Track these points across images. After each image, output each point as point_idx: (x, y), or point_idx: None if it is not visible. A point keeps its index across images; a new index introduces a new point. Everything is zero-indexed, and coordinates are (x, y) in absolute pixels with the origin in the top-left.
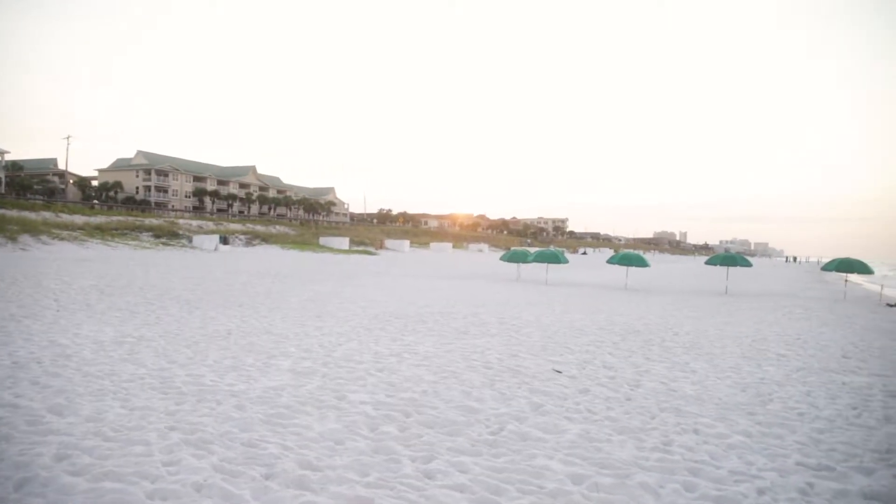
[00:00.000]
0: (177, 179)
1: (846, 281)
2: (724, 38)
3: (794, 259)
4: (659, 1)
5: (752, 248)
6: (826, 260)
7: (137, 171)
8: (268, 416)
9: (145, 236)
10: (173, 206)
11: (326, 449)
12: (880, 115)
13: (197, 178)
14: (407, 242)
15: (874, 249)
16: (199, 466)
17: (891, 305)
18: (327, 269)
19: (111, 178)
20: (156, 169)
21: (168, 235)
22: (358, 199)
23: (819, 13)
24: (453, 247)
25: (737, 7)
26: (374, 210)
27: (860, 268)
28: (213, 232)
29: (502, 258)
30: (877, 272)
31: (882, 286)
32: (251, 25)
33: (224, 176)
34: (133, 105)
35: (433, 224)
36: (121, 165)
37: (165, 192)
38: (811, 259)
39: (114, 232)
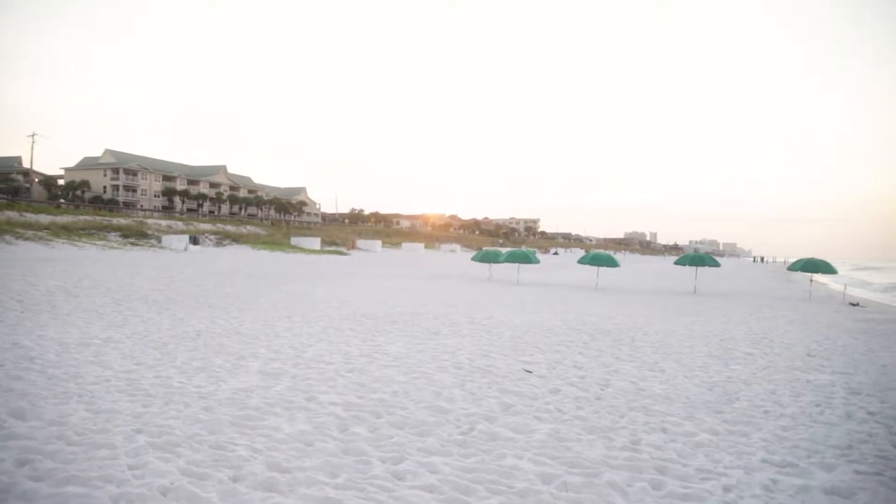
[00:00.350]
0: (146, 179)
1: (811, 281)
2: (707, 40)
3: (762, 259)
4: (634, 1)
5: (721, 248)
6: (792, 260)
7: (105, 170)
8: (236, 418)
9: (113, 236)
10: (142, 205)
11: (296, 450)
12: (863, 118)
13: (166, 178)
14: (379, 242)
15: (839, 249)
16: (165, 470)
17: (853, 304)
18: (298, 269)
19: (78, 177)
20: (124, 168)
21: (137, 235)
22: (329, 199)
23: (811, 13)
24: (425, 247)
25: (728, 7)
26: (345, 210)
27: (825, 268)
28: (182, 232)
29: (474, 258)
30: (840, 272)
31: (845, 286)
32: (222, 25)
33: (194, 175)
34: (101, 103)
35: (405, 224)
36: (88, 164)
37: (134, 191)
38: (778, 259)
39: (81, 232)
